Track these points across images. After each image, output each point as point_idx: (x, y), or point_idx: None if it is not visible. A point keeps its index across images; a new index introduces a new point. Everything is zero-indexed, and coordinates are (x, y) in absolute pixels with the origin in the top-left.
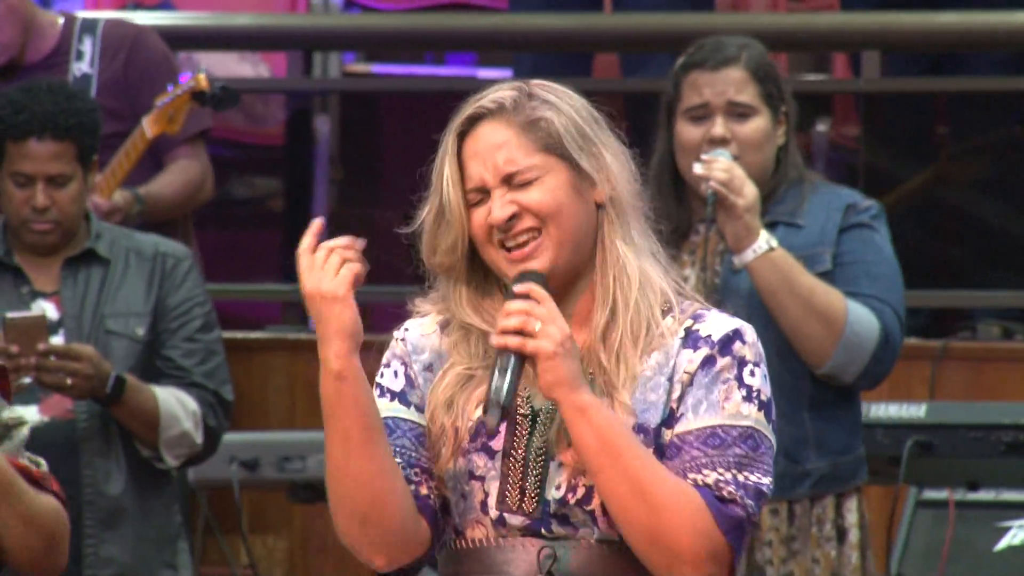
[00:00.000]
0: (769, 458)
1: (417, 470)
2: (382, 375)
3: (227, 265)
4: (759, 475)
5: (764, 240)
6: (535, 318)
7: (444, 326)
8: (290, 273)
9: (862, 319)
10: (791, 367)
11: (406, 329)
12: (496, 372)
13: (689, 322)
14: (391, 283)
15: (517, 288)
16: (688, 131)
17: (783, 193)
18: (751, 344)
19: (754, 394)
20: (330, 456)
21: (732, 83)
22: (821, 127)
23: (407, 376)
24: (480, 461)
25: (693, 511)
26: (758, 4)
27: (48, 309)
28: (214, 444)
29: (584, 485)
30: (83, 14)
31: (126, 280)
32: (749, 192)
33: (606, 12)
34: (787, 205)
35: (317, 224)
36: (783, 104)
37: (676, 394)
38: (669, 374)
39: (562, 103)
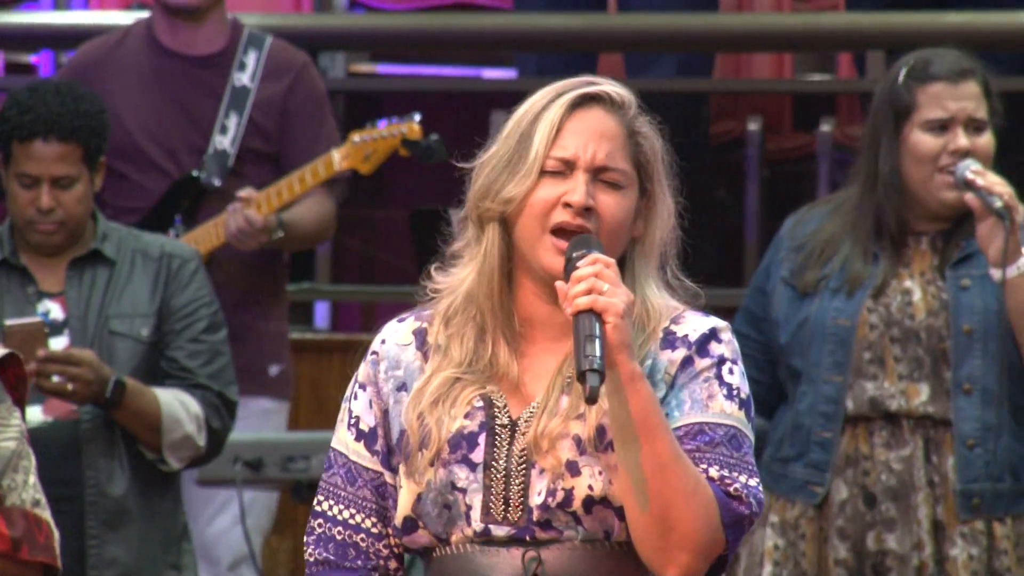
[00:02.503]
0: (751, 457)
1: (379, 524)
2: (355, 396)
3: None
4: (747, 476)
5: None
6: (603, 280)
7: (419, 334)
8: (295, 273)
9: None
10: (1018, 384)
11: (383, 340)
12: (582, 341)
13: (666, 323)
14: (391, 283)
15: (578, 255)
16: (927, 142)
17: None
18: (727, 342)
19: (734, 392)
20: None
21: (972, 97)
22: (825, 127)
23: (378, 412)
24: (462, 473)
25: (707, 502)
26: (763, 4)
27: (53, 309)
28: (218, 446)
29: (563, 488)
30: (251, 21)
31: (131, 281)
32: (1022, 206)
33: (610, 12)
34: None
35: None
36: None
37: (659, 394)
38: (647, 372)
39: (653, 130)
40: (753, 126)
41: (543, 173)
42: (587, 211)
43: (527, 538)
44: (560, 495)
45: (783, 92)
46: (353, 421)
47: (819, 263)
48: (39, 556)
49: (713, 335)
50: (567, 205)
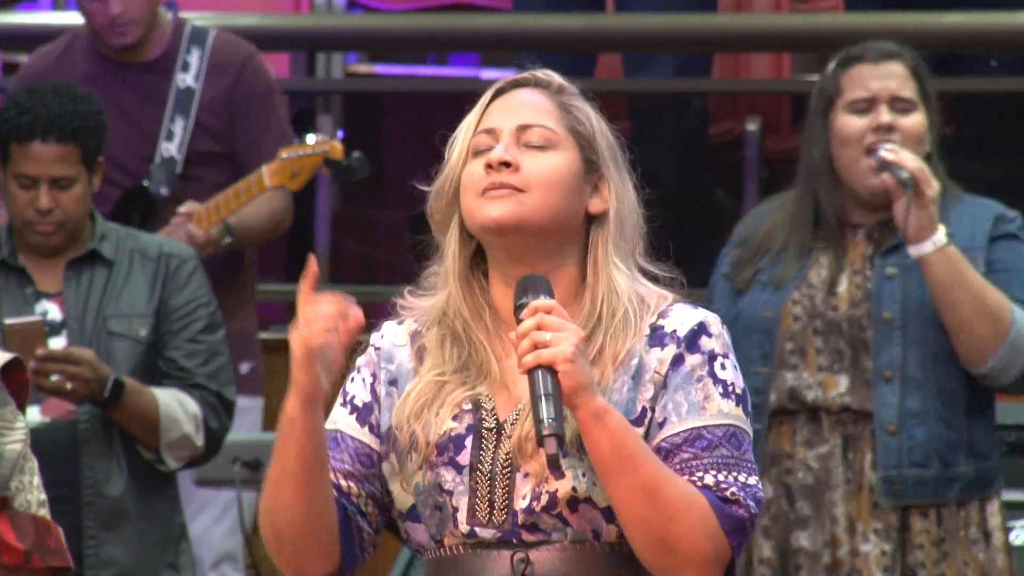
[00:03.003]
0: (751, 454)
1: (349, 483)
2: (352, 379)
3: None
4: (746, 475)
5: (943, 234)
6: (545, 328)
7: (415, 337)
8: (294, 273)
9: None
10: (949, 371)
11: (382, 336)
12: (539, 401)
13: (654, 318)
14: (391, 283)
15: (521, 303)
16: (851, 122)
17: None
18: (717, 335)
19: (730, 388)
20: (269, 473)
21: (895, 77)
22: None
23: (373, 391)
24: (448, 475)
25: (702, 515)
26: (761, 4)
27: (51, 310)
28: (216, 446)
29: (547, 491)
30: (193, 18)
31: (129, 281)
32: (935, 183)
33: (609, 12)
34: None
35: (312, 266)
36: (932, 110)
37: (648, 394)
38: (634, 372)
39: (595, 113)
40: (752, 126)
41: (476, 154)
42: (507, 166)
43: (514, 540)
44: (544, 498)
45: (782, 92)
46: (349, 399)
47: (755, 259)
48: (52, 561)
49: (702, 329)
50: (489, 167)
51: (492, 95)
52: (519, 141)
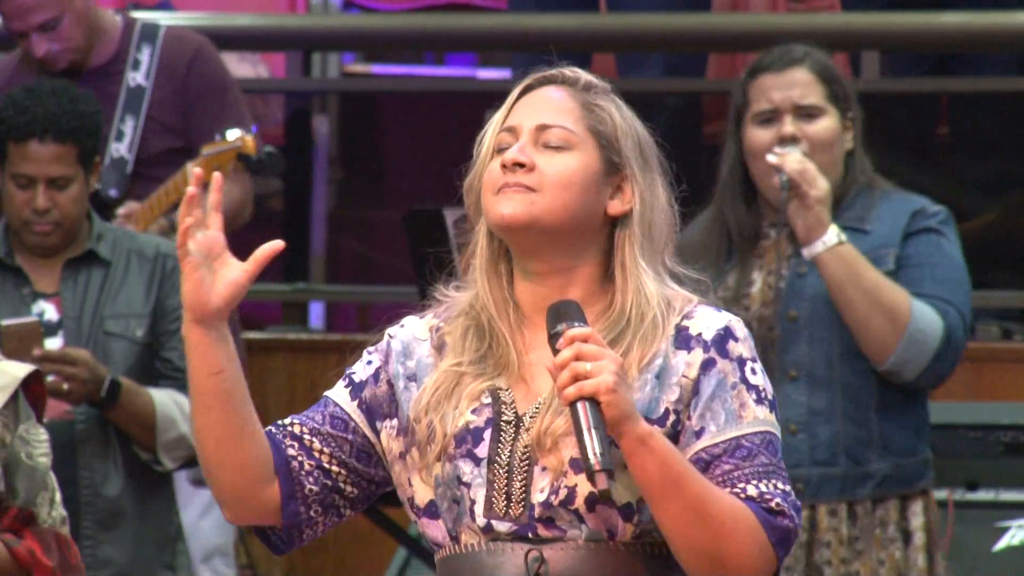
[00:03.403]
0: (783, 460)
1: (313, 440)
2: (360, 360)
3: None
4: (783, 482)
5: (834, 233)
6: (584, 358)
7: (435, 332)
8: (290, 273)
9: (926, 316)
10: (855, 368)
11: (401, 326)
12: (581, 438)
13: (678, 319)
14: (390, 283)
15: (555, 332)
16: (758, 135)
17: (852, 198)
18: (744, 339)
19: (762, 394)
20: None
21: (799, 84)
22: None
23: (376, 372)
24: (466, 467)
25: (751, 530)
26: (757, 4)
27: (48, 310)
28: None
29: (566, 486)
30: (143, 17)
31: (126, 281)
32: (822, 184)
33: (602, 12)
34: (856, 211)
35: (197, 172)
36: (849, 108)
37: (673, 396)
38: (657, 372)
39: (628, 113)
40: None
41: (499, 151)
42: (521, 167)
43: (529, 535)
44: (563, 493)
45: None
46: (348, 374)
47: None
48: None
49: (729, 333)
50: (504, 167)
51: (520, 92)
52: (537, 141)
